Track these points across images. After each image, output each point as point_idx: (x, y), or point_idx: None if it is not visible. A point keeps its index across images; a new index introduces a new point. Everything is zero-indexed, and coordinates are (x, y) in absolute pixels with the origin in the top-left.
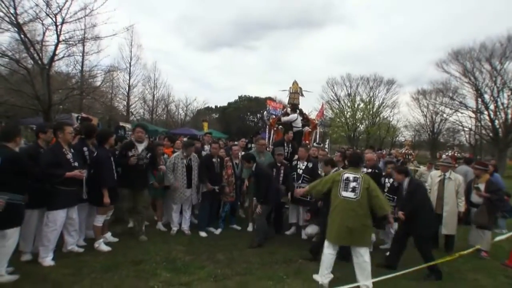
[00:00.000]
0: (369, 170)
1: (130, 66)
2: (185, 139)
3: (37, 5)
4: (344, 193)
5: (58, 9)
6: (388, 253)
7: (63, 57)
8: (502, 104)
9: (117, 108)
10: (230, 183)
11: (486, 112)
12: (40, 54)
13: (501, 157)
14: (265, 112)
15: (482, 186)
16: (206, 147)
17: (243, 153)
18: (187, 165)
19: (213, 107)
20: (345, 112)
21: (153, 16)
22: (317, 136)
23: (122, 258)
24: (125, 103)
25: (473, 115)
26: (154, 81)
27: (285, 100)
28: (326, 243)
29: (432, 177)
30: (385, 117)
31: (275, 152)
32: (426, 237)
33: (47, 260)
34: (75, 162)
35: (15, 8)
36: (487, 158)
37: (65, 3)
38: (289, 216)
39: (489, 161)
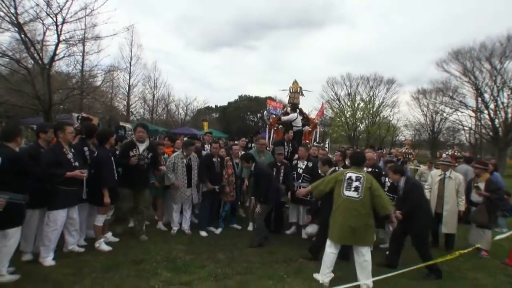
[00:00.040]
0: (369, 170)
1: (130, 66)
2: (185, 138)
3: (37, 5)
4: (347, 193)
5: (59, 9)
6: (387, 253)
7: (64, 57)
8: (502, 103)
9: (117, 108)
10: (230, 183)
11: (486, 111)
12: (41, 54)
13: (501, 156)
14: (265, 112)
15: (482, 185)
16: (207, 147)
17: (243, 152)
18: (187, 165)
19: (213, 106)
20: (345, 112)
21: (153, 16)
22: (317, 135)
23: (123, 258)
24: (125, 102)
25: (473, 114)
26: (154, 80)
27: (285, 99)
28: (328, 242)
29: (432, 176)
30: (385, 116)
31: (275, 152)
32: (423, 236)
33: (48, 260)
34: (76, 162)
35: (15, 8)
36: (487, 157)
37: (65, 3)
38: (289, 216)
39: (489, 160)
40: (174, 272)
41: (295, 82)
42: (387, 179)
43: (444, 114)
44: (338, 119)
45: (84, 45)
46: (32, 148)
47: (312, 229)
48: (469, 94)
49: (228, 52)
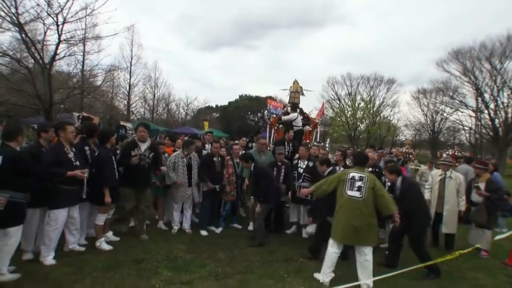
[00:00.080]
0: (370, 169)
1: (130, 65)
2: (186, 138)
3: (38, 4)
4: (350, 192)
5: (60, 9)
6: (386, 253)
7: (64, 56)
8: (502, 103)
9: (117, 107)
10: (231, 182)
11: (486, 111)
12: (41, 54)
13: (501, 156)
14: (265, 111)
15: (482, 185)
16: (207, 146)
17: (243, 152)
18: (187, 164)
19: (214, 106)
20: (346, 111)
21: (153, 16)
22: (318, 135)
23: (124, 257)
24: (125, 102)
25: (473, 114)
26: (155, 80)
27: (286, 99)
28: (330, 241)
29: (433, 176)
30: (386, 116)
31: (276, 151)
32: (420, 236)
33: (49, 259)
34: (77, 161)
35: (16, 8)
36: (487, 157)
37: (66, 2)
38: (289, 215)
39: (489, 160)
40: (175, 271)
41: (295, 82)
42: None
43: (445, 114)
44: (338, 119)
45: (84, 45)
46: (33, 147)
47: (312, 228)
48: (469, 94)
49: (229, 51)
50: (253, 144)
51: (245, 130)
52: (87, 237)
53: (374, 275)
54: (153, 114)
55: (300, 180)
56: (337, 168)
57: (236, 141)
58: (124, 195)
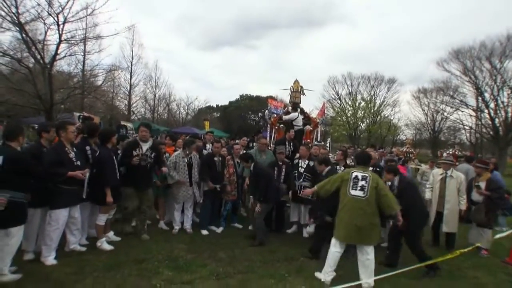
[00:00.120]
0: (370, 169)
1: (131, 65)
2: (187, 138)
3: (39, 4)
4: (353, 192)
5: (60, 9)
6: (387, 252)
7: (65, 56)
8: (502, 102)
9: (118, 107)
10: (231, 182)
11: (486, 111)
12: (42, 54)
13: (501, 156)
14: (266, 111)
15: (483, 185)
16: (208, 146)
17: (243, 151)
18: (188, 164)
19: (215, 106)
20: (346, 111)
21: (154, 16)
22: (319, 134)
23: (125, 257)
24: (126, 102)
25: (473, 113)
26: (156, 80)
27: (287, 99)
28: (333, 241)
29: (434, 175)
30: (386, 115)
31: (277, 151)
32: (416, 235)
33: (50, 259)
34: (78, 161)
35: (17, 8)
36: (487, 156)
37: (67, 2)
38: (290, 215)
39: (489, 159)
40: (176, 271)
41: (296, 82)
42: None
43: (445, 113)
44: (339, 118)
45: (85, 45)
46: (34, 147)
47: (313, 228)
48: (470, 93)
49: (229, 51)
50: (254, 143)
51: (245, 130)
52: (88, 237)
53: (375, 274)
54: (154, 114)
55: (301, 180)
56: (338, 167)
57: (237, 141)
58: (126, 195)
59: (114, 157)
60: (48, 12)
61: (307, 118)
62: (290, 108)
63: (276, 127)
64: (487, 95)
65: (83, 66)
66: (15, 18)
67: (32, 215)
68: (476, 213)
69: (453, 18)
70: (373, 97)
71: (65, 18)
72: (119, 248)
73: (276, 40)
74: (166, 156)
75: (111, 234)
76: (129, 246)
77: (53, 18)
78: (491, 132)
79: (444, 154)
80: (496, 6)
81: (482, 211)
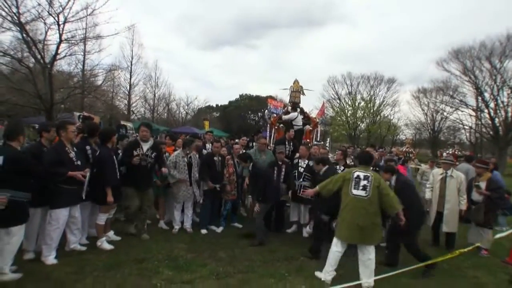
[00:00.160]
0: (370, 168)
1: (131, 65)
2: (186, 137)
3: (39, 4)
4: (355, 191)
5: (61, 9)
6: (386, 252)
7: (65, 56)
8: (502, 102)
9: (118, 107)
10: (231, 182)
11: (486, 111)
12: (42, 53)
13: (501, 155)
14: (266, 111)
15: (483, 184)
16: (208, 146)
17: (243, 151)
18: (187, 163)
19: (214, 105)
20: (346, 111)
21: (154, 15)
22: (318, 134)
23: (125, 257)
24: (126, 102)
25: (473, 113)
26: (155, 80)
27: (286, 98)
28: (335, 240)
29: (434, 175)
30: (386, 115)
31: (277, 151)
32: (412, 234)
33: (50, 258)
34: (78, 161)
35: (17, 7)
36: (487, 156)
37: (67, 2)
38: (290, 214)
39: (489, 159)
40: (176, 271)
41: (296, 81)
42: None
43: (445, 113)
44: (338, 118)
45: (85, 45)
46: (35, 147)
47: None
48: (469, 93)
49: (229, 51)
50: (254, 143)
51: (245, 130)
52: (88, 236)
53: (375, 274)
54: (154, 114)
55: (301, 179)
56: (338, 167)
57: (237, 140)
58: (127, 195)
59: (114, 157)
60: (48, 12)
61: (306, 118)
62: (289, 108)
63: (276, 127)
64: (487, 95)
65: (83, 66)
66: (15, 18)
67: (33, 215)
68: (476, 213)
69: (453, 18)
70: (373, 97)
71: (66, 18)
72: (119, 247)
73: (276, 40)
74: (166, 155)
75: (111, 233)
76: (129, 246)
77: (54, 18)
78: (491, 132)
79: (444, 154)
80: (496, 6)
81: (482, 211)
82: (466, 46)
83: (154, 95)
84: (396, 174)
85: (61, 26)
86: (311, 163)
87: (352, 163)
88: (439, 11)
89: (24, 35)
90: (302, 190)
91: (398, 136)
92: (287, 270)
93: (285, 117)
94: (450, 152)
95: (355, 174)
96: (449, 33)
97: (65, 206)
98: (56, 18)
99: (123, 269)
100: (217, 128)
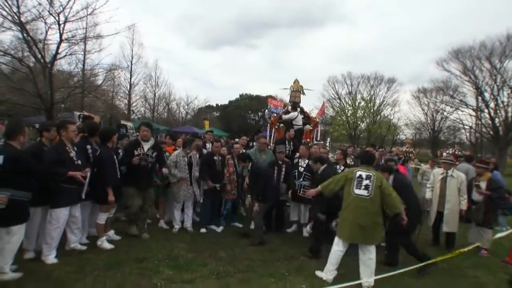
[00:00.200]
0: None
1: (131, 64)
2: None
3: (40, 4)
4: (357, 191)
5: (61, 8)
6: (385, 252)
7: (65, 55)
8: (502, 102)
9: (118, 106)
10: (231, 181)
11: (486, 110)
12: (43, 53)
13: (501, 155)
14: (266, 111)
15: (483, 184)
16: (208, 145)
17: (243, 151)
18: (188, 163)
19: (214, 105)
20: (346, 111)
21: (154, 15)
22: (318, 134)
23: (125, 256)
24: (126, 101)
25: (473, 113)
26: (156, 79)
27: (286, 98)
28: (336, 239)
29: (434, 175)
30: (386, 115)
31: (277, 150)
32: (409, 234)
33: (50, 258)
34: (78, 160)
35: (18, 7)
36: (487, 156)
37: (68, 2)
38: (290, 214)
39: (489, 159)
40: (176, 270)
41: (296, 81)
42: None
43: (445, 113)
44: (339, 118)
45: (85, 44)
46: (35, 146)
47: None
48: (469, 93)
49: (229, 50)
50: (254, 143)
51: (245, 129)
52: (89, 236)
53: (375, 274)
54: (154, 113)
55: (301, 179)
56: (338, 167)
57: (237, 140)
58: (129, 194)
59: (115, 156)
60: (49, 12)
61: (307, 118)
62: (289, 107)
63: (276, 127)
64: (487, 94)
65: (83, 65)
66: (16, 17)
67: (33, 214)
68: (476, 213)
69: (453, 18)
70: (373, 97)
71: (66, 18)
72: (120, 247)
73: (276, 39)
74: (166, 155)
75: (111, 233)
76: (129, 245)
77: (54, 17)
78: (491, 132)
79: (444, 154)
80: (496, 6)
81: (482, 210)
82: (466, 46)
83: (154, 95)
84: (393, 174)
85: (62, 25)
86: (311, 162)
87: (352, 162)
88: (439, 11)
89: (25, 34)
90: (302, 189)
91: (398, 136)
92: (287, 270)
93: (285, 116)
94: (450, 152)
95: (357, 174)
96: (449, 33)
97: (66, 205)
98: (57, 18)
99: (123, 269)
100: (217, 128)
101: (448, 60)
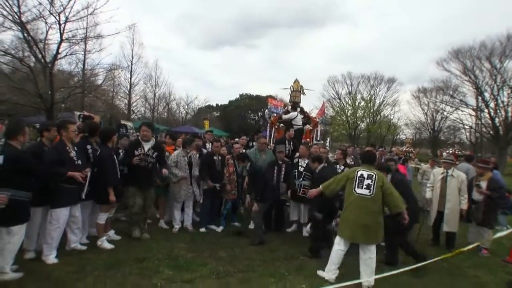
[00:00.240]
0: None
1: (131, 64)
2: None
3: (40, 3)
4: (359, 190)
5: (62, 8)
6: (385, 252)
7: (66, 55)
8: (502, 102)
9: (118, 106)
10: (231, 181)
11: (486, 110)
12: (43, 53)
13: (501, 155)
14: (266, 110)
15: (483, 184)
16: (208, 145)
17: (243, 151)
18: (188, 162)
19: (214, 105)
20: (346, 110)
21: (155, 15)
22: (318, 134)
23: (125, 256)
24: (126, 101)
25: (473, 113)
26: (156, 79)
27: (286, 98)
28: (337, 239)
29: (434, 175)
30: (386, 115)
31: (277, 150)
32: (405, 233)
33: (51, 258)
34: (79, 160)
35: (18, 7)
36: (487, 156)
37: (68, 1)
38: (290, 214)
39: (489, 158)
40: (176, 270)
41: (296, 81)
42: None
43: (445, 113)
44: (339, 118)
45: (86, 44)
46: (36, 146)
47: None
48: (470, 93)
49: (230, 50)
50: (254, 143)
51: (245, 129)
52: (89, 236)
53: (375, 273)
54: (154, 113)
55: (301, 179)
56: (338, 166)
57: (237, 140)
58: (130, 194)
59: (115, 156)
60: (49, 11)
61: (306, 118)
62: (289, 107)
63: (276, 126)
64: (487, 94)
65: (84, 65)
66: (16, 17)
67: (33, 214)
68: (476, 212)
69: (453, 18)
70: (373, 97)
71: (67, 18)
72: (120, 247)
73: (276, 39)
74: (166, 155)
75: (111, 233)
76: (129, 245)
77: (55, 17)
78: (491, 132)
79: (444, 154)
80: (496, 6)
81: (481, 210)
82: (466, 46)
83: (154, 95)
84: (391, 173)
85: (62, 25)
86: (309, 161)
87: (352, 162)
88: (439, 11)
89: (25, 34)
90: (302, 189)
91: (398, 136)
92: (287, 269)
93: (285, 116)
94: (450, 151)
95: (359, 173)
96: (449, 33)
97: (66, 205)
98: (57, 18)
99: (123, 268)
100: (217, 128)
101: (448, 60)
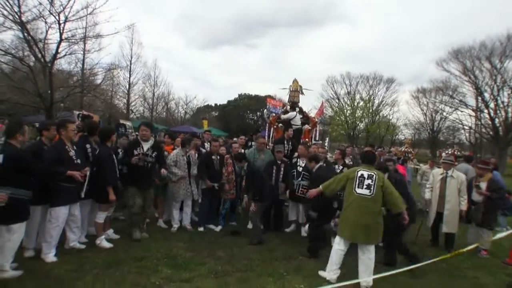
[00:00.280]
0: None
1: (130, 64)
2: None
3: (40, 3)
4: (359, 190)
5: (61, 8)
6: (384, 252)
7: (65, 55)
8: (502, 102)
9: (117, 105)
10: (230, 181)
11: (486, 111)
12: (43, 52)
13: (501, 156)
14: (265, 110)
15: (483, 185)
16: (206, 145)
17: (242, 150)
18: (187, 161)
19: (213, 105)
20: (345, 110)
21: (154, 15)
22: (317, 134)
23: (124, 255)
24: (125, 101)
25: (473, 113)
26: (155, 79)
27: (285, 98)
28: (337, 239)
29: (434, 175)
30: (385, 115)
31: (275, 150)
32: (400, 232)
33: (50, 256)
34: (78, 159)
35: (19, 7)
36: (487, 157)
37: (68, 1)
38: (289, 214)
39: (489, 159)
40: (175, 269)
41: (295, 81)
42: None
43: (444, 113)
44: (337, 118)
45: (85, 44)
46: (35, 145)
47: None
48: (469, 93)
49: (229, 50)
50: (253, 143)
51: (244, 129)
52: (88, 235)
53: (373, 273)
54: (153, 113)
55: (299, 179)
56: (336, 166)
57: (235, 139)
58: (130, 194)
59: (114, 156)
60: (49, 11)
61: (305, 118)
62: (288, 107)
63: (275, 126)
64: (487, 95)
65: (83, 64)
66: (17, 17)
67: (33, 213)
68: (475, 213)
69: (453, 18)
70: (372, 97)
71: (66, 17)
72: (118, 246)
73: (275, 39)
74: (165, 154)
75: (110, 232)
76: (128, 244)
77: (54, 17)
78: (490, 132)
79: (443, 154)
80: (496, 6)
81: (481, 211)
82: (466, 46)
83: (153, 94)
84: (388, 173)
85: (62, 25)
86: (307, 161)
87: (351, 162)
88: (439, 11)
89: (25, 34)
90: (301, 189)
91: (397, 136)
92: (285, 269)
93: (283, 116)
94: (450, 152)
95: (359, 173)
96: (449, 33)
97: (65, 204)
98: (57, 17)
99: (122, 267)
100: (216, 128)
101: (448, 60)
